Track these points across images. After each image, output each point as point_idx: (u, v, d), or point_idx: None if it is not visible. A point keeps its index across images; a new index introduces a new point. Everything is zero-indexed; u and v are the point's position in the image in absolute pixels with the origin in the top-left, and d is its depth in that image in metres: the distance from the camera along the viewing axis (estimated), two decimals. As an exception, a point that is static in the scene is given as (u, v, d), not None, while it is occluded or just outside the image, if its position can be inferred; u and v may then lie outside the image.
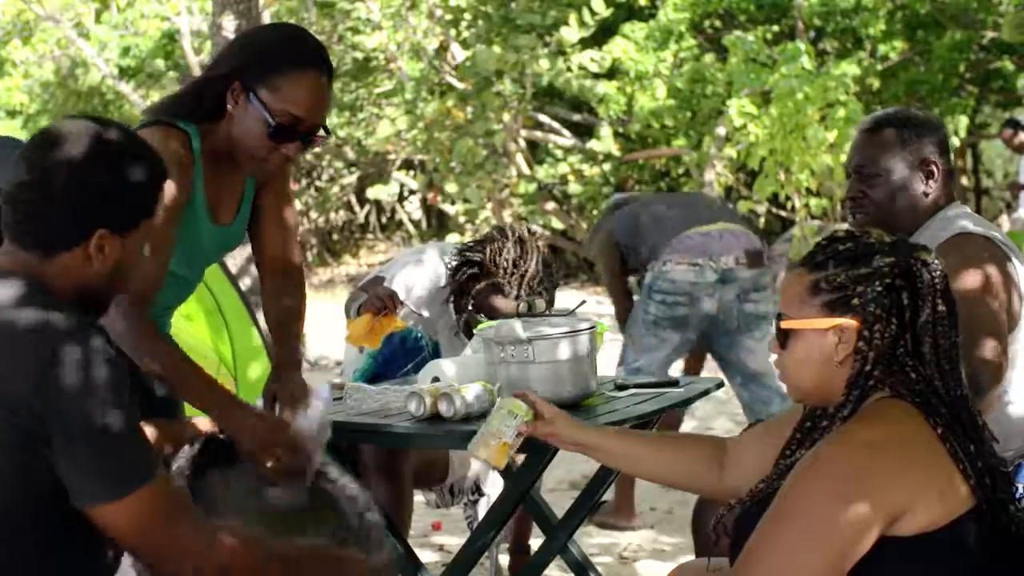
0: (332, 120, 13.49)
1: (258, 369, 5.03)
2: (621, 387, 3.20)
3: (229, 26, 7.03)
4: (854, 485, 1.99)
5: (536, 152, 13.32)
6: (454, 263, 3.73)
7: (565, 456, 3.03)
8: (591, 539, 4.91)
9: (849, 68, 10.63)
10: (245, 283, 5.77)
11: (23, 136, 7.48)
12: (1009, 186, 12.49)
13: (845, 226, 3.60)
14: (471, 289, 3.67)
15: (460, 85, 11.99)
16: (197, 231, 2.80)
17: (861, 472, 2.01)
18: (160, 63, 14.32)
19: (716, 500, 2.84)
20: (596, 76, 12.01)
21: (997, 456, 2.15)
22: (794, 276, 2.20)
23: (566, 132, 13.13)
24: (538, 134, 13.10)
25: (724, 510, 2.21)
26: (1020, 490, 2.78)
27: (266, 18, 9.41)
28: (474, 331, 3.37)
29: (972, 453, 2.08)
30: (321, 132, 2.75)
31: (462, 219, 12.96)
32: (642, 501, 5.27)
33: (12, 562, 1.97)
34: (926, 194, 3.08)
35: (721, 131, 10.77)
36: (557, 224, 12.70)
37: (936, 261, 2.16)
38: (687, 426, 6.13)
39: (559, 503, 4.35)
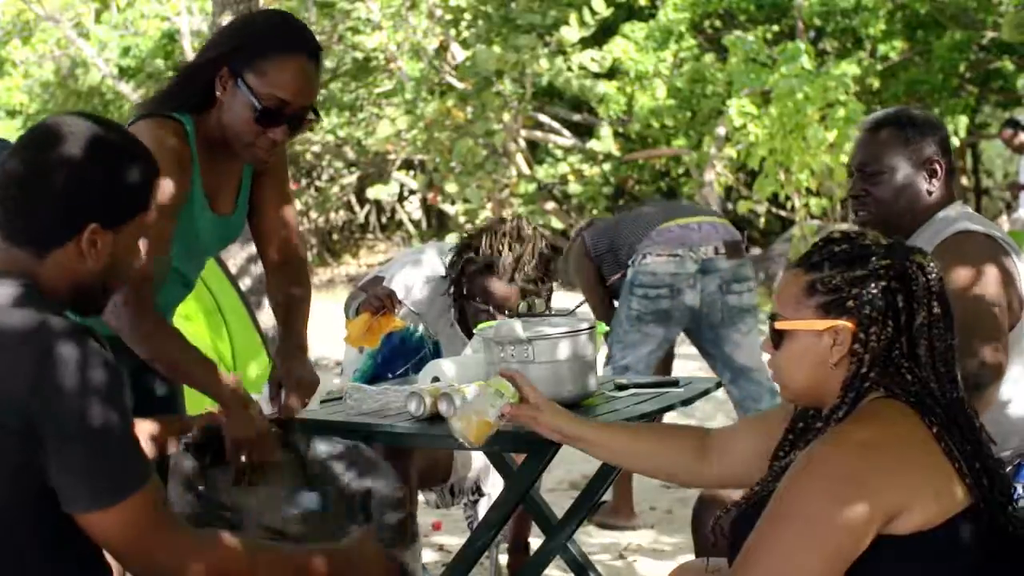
0: (332, 120, 13.50)
1: (257, 368, 5.04)
2: (621, 387, 3.20)
3: (229, 26, 7.02)
4: (850, 486, 1.99)
5: (536, 152, 13.33)
6: (453, 251, 3.76)
7: (565, 456, 3.03)
8: (591, 539, 4.91)
9: (849, 68, 10.64)
10: (245, 283, 5.76)
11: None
12: (1009, 186, 12.49)
13: (844, 226, 3.61)
14: (466, 272, 3.68)
15: (460, 85, 12.00)
16: (196, 221, 2.80)
17: (857, 472, 2.01)
18: (160, 63, 14.32)
19: (715, 499, 2.85)
20: (596, 76, 12.02)
21: (994, 457, 2.15)
22: (790, 277, 2.20)
23: (566, 132, 13.14)
24: (538, 134, 13.11)
25: (721, 512, 2.22)
26: (1018, 490, 2.79)
27: (266, 18, 9.39)
28: (473, 330, 3.37)
29: (968, 453, 2.08)
30: (311, 115, 2.75)
31: (462, 219, 12.96)
32: (642, 500, 5.27)
33: (9, 565, 1.96)
34: (929, 192, 3.08)
35: (721, 131, 10.78)
36: (557, 224, 12.70)
37: (932, 264, 2.16)
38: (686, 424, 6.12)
39: (559, 503, 4.35)
